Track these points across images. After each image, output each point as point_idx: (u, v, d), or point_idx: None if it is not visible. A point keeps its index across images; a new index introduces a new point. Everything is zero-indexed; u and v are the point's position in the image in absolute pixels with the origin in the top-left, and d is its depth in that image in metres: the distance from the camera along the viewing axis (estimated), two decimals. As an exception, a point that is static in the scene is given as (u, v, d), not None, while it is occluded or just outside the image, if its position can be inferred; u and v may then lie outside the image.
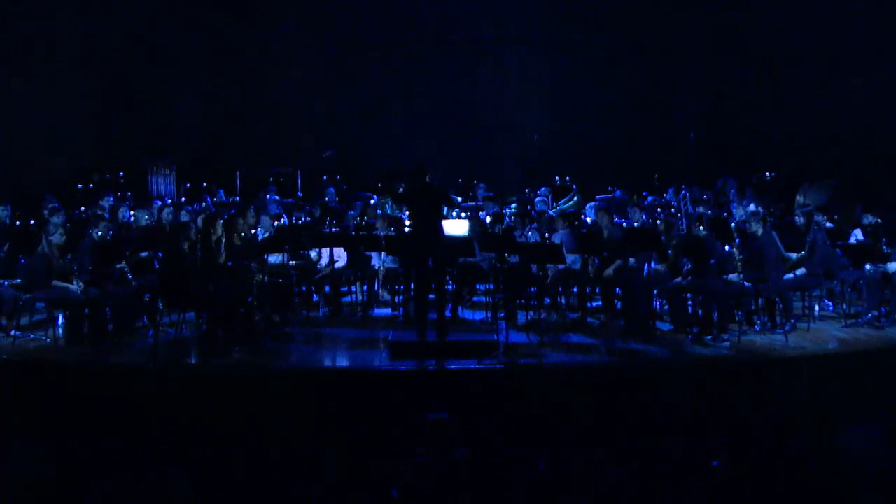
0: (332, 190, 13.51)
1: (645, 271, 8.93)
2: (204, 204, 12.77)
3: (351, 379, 7.66)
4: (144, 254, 9.24)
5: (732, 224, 9.73)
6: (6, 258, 8.81)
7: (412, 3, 16.46)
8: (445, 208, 9.01)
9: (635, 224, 10.54)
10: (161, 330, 8.53)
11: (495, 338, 7.99)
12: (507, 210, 12.32)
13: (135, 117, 15.33)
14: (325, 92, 16.64)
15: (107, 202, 11.42)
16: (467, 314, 9.63)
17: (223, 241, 8.57)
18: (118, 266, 8.66)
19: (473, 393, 7.33)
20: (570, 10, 16.45)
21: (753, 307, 9.01)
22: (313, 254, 9.93)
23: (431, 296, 8.29)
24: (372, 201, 12.82)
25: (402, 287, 9.70)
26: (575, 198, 12.94)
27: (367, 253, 9.91)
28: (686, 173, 13.95)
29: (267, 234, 9.76)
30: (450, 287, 9.34)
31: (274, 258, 9.26)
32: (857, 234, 9.90)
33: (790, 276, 8.91)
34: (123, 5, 15.12)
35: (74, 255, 8.61)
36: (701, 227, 9.37)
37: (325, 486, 5.17)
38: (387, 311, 9.92)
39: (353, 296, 10.33)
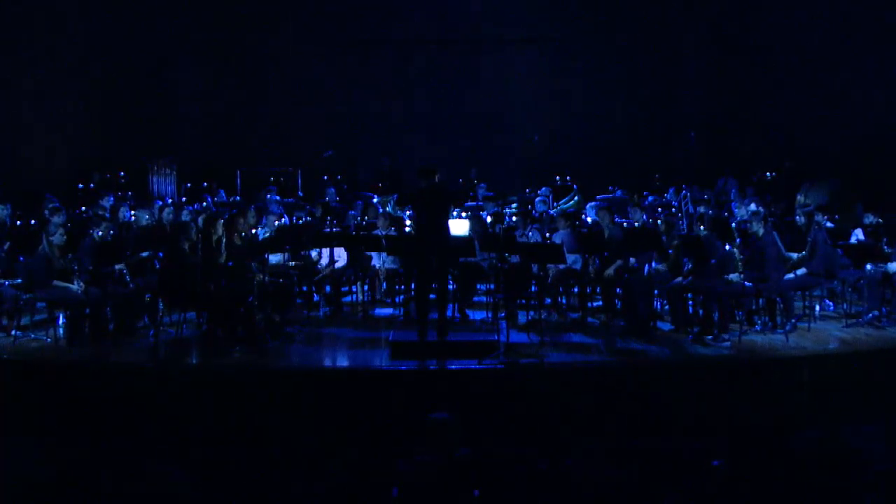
0: (332, 190, 13.51)
1: (645, 271, 8.94)
2: (204, 204, 12.77)
3: (351, 379, 7.66)
4: (145, 254, 9.24)
5: (733, 224, 9.73)
6: (7, 258, 8.81)
7: (412, 3, 16.46)
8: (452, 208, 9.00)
9: (636, 224, 10.53)
10: (162, 330, 8.54)
11: (496, 338, 7.99)
12: (508, 210, 12.32)
13: (135, 117, 15.33)
14: (325, 92, 16.64)
15: (107, 202, 11.41)
16: (467, 314, 9.62)
17: (224, 240, 8.57)
18: (118, 267, 8.66)
19: (474, 393, 7.33)
20: (571, 9, 16.46)
21: (754, 307, 9.02)
22: (314, 254, 9.93)
23: (432, 296, 8.30)
24: (374, 200, 12.82)
25: (402, 287, 9.70)
26: (575, 198, 12.93)
27: (368, 253, 9.91)
28: (687, 173, 13.96)
29: (267, 234, 9.76)
30: (450, 287, 9.33)
31: (274, 258, 9.26)
32: (858, 234, 9.90)
33: (791, 275, 8.90)
34: (124, 5, 15.13)
35: (75, 255, 8.61)
36: (702, 227, 9.37)
37: (325, 486, 5.16)
38: (387, 310, 9.92)
39: (354, 296, 10.33)
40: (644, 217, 10.93)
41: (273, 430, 7.06)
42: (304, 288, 9.90)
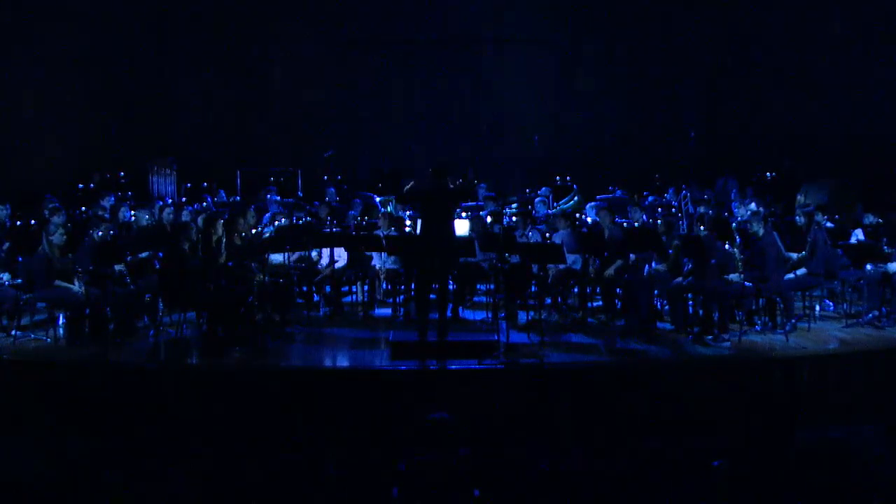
0: (332, 190, 13.51)
1: (645, 271, 8.94)
2: (205, 204, 12.77)
3: (351, 379, 7.66)
4: (145, 254, 9.24)
5: (734, 224, 9.73)
6: (6, 258, 8.81)
7: (412, 3, 16.47)
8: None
9: (636, 224, 10.53)
10: (162, 330, 8.54)
11: (496, 338, 7.98)
12: (508, 210, 12.32)
13: (135, 117, 15.35)
14: (325, 92, 16.63)
15: (107, 202, 11.41)
16: (468, 314, 9.63)
17: (224, 241, 8.57)
18: (118, 267, 8.67)
19: (474, 393, 7.33)
20: (571, 9, 16.45)
21: (754, 307, 9.01)
22: (314, 254, 9.93)
23: (432, 295, 8.30)
24: (378, 199, 12.82)
25: (402, 287, 9.70)
26: (575, 198, 12.93)
27: (368, 253, 9.91)
28: (686, 173, 13.96)
29: (268, 235, 9.77)
30: (450, 287, 9.33)
31: (277, 258, 9.26)
32: (858, 234, 9.90)
33: (791, 275, 8.91)
34: (124, 5, 15.13)
35: (75, 255, 8.61)
36: (702, 227, 9.37)
37: (325, 486, 5.17)
38: (388, 311, 9.92)
39: (354, 296, 10.33)
40: (644, 217, 10.93)
41: (273, 430, 7.06)
42: (304, 288, 9.90)
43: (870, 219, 10.08)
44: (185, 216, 10.57)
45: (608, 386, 7.51)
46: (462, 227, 9.75)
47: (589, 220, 11.56)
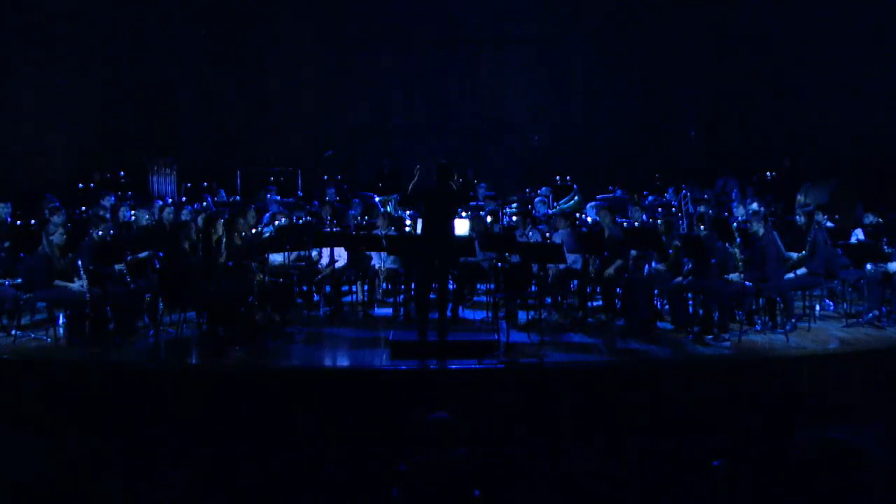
0: (332, 190, 13.51)
1: (645, 271, 8.94)
2: (205, 203, 12.77)
3: (351, 379, 7.66)
4: (145, 253, 9.24)
5: (734, 224, 9.73)
6: (7, 258, 8.81)
7: (412, 3, 16.46)
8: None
9: (636, 224, 10.53)
10: (162, 329, 8.54)
11: (496, 337, 8.00)
12: (508, 210, 12.32)
13: (135, 117, 15.33)
14: (325, 92, 16.63)
15: (108, 202, 11.42)
16: (468, 314, 9.63)
17: (224, 240, 8.58)
18: (118, 266, 8.67)
19: (474, 393, 7.33)
20: (571, 9, 16.45)
21: (754, 307, 9.01)
22: (314, 253, 9.93)
23: (432, 295, 8.29)
24: (377, 199, 12.82)
25: (402, 287, 9.70)
26: (575, 197, 12.94)
27: (368, 253, 9.91)
28: (686, 173, 13.96)
29: (268, 235, 9.77)
30: (450, 287, 9.33)
31: (276, 258, 9.26)
32: (858, 234, 9.91)
33: (791, 275, 8.91)
34: (125, 5, 15.12)
35: (75, 255, 8.61)
36: (702, 227, 9.37)
37: (325, 486, 5.16)
38: (387, 310, 9.92)
39: (354, 295, 10.33)
40: (644, 217, 10.93)
41: (273, 430, 7.05)
42: (305, 288, 9.90)
43: (870, 218, 10.08)
44: (185, 216, 10.57)
45: (608, 386, 7.52)
46: (462, 226, 9.76)
47: (589, 219, 11.57)
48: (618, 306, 9.27)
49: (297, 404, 7.28)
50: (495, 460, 5.24)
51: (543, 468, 5.22)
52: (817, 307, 9.45)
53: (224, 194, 14.06)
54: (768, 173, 13.91)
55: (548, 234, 10.19)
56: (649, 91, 16.44)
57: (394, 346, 7.94)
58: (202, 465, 5.47)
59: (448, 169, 8.17)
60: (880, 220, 10.01)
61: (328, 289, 9.93)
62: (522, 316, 9.28)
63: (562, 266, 9.30)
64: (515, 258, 9.25)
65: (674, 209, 12.16)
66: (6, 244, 8.96)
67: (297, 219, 11.22)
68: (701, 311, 8.70)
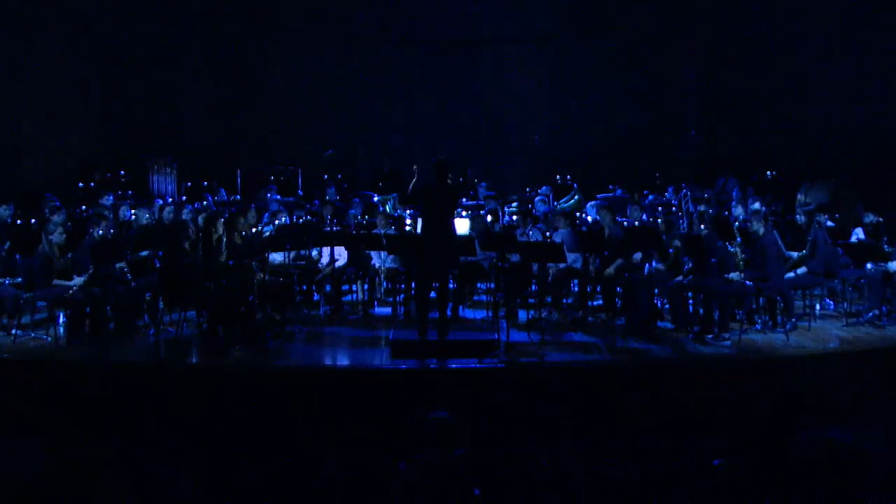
0: (332, 189, 13.52)
1: (646, 270, 8.93)
2: (205, 203, 12.78)
3: (351, 378, 7.66)
4: (145, 253, 9.24)
5: (735, 224, 9.73)
6: (7, 257, 8.81)
7: (413, 3, 16.46)
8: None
9: (636, 223, 10.53)
10: (162, 329, 8.54)
11: (496, 337, 7.99)
12: (507, 209, 12.32)
13: (136, 116, 15.35)
14: (326, 91, 16.65)
15: (108, 201, 11.43)
16: (468, 313, 9.63)
17: (224, 240, 8.57)
18: (118, 266, 8.67)
19: (474, 392, 7.33)
20: (571, 9, 16.45)
21: (754, 306, 9.02)
22: (314, 253, 9.93)
23: (432, 294, 8.29)
24: (375, 199, 12.82)
25: (402, 286, 9.71)
26: (576, 197, 12.94)
27: (368, 252, 9.91)
28: (687, 172, 13.96)
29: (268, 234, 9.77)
30: (450, 286, 9.33)
31: (276, 257, 9.25)
32: (859, 233, 9.90)
33: (791, 274, 8.91)
34: (125, 5, 15.13)
35: (75, 254, 8.61)
36: (702, 226, 9.37)
37: (325, 486, 5.17)
38: (388, 310, 9.92)
39: (354, 295, 10.33)
40: (644, 216, 10.93)
41: (273, 430, 7.05)
42: (305, 287, 9.89)
43: (870, 218, 10.08)
44: (186, 215, 10.58)
45: (608, 385, 7.51)
46: (462, 226, 9.75)
47: (589, 218, 11.57)
48: (618, 305, 9.27)
49: (297, 404, 7.28)
50: (495, 460, 5.24)
51: (543, 468, 5.22)
52: (817, 306, 9.45)
53: (224, 193, 14.06)
54: (768, 173, 13.92)
55: (548, 234, 10.19)
56: (649, 91, 16.45)
57: (394, 345, 7.94)
58: (202, 465, 5.47)
59: (445, 164, 8.17)
60: (880, 219, 10.00)
61: (328, 288, 9.94)
62: (522, 315, 9.28)
63: (562, 265, 9.30)
64: (515, 257, 9.25)
65: (674, 208, 12.16)
66: (6, 244, 8.96)
67: (298, 218, 11.22)
68: (701, 311, 8.70)
